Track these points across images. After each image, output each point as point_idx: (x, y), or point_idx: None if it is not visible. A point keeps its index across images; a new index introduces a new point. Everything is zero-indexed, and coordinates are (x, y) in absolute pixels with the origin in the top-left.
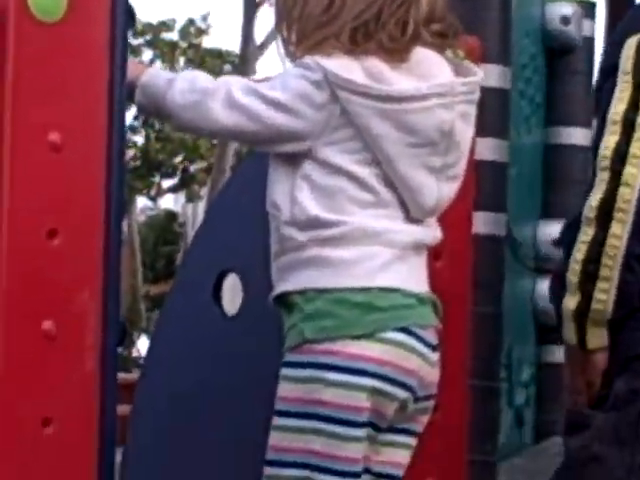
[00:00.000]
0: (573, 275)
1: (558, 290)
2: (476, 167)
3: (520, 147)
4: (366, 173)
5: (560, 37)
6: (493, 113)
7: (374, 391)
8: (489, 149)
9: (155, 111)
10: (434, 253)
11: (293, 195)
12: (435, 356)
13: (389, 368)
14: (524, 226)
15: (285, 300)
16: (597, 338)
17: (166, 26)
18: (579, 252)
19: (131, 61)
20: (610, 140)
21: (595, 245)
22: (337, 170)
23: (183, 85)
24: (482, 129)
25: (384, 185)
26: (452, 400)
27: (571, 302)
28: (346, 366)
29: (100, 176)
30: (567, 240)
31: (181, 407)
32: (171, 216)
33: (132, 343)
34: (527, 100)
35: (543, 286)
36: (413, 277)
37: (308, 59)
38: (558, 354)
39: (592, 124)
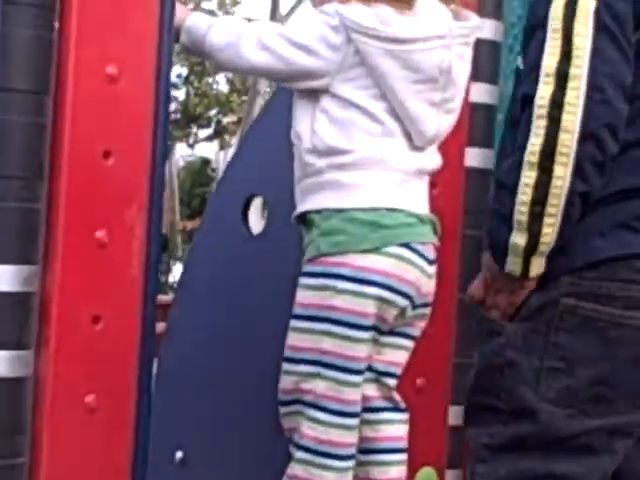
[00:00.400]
0: (521, 215)
1: (501, 228)
2: (470, 108)
3: (506, 96)
4: (375, 107)
5: None
6: (487, 62)
7: (379, 299)
8: (482, 93)
9: (196, 50)
10: (431, 182)
11: (313, 127)
12: (432, 269)
13: (392, 279)
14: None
15: (305, 219)
16: (538, 268)
17: None
18: (524, 195)
19: (179, 5)
20: (545, 90)
21: (540, 187)
22: (350, 104)
23: (221, 29)
24: (477, 75)
25: (391, 117)
26: (442, 311)
27: (520, 239)
28: (355, 276)
29: (150, 107)
30: (509, 182)
31: (210, 323)
32: (205, 162)
33: (169, 270)
34: (514, 54)
35: None
36: (415, 199)
37: (328, 6)
38: None
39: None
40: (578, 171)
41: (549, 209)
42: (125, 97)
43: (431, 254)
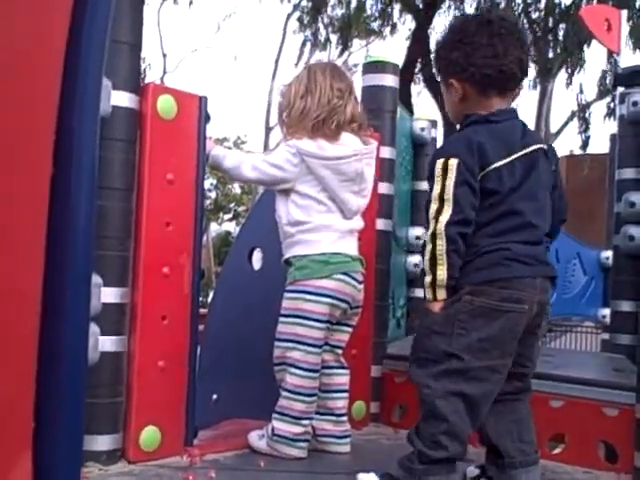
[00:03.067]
0: (426, 266)
1: (421, 274)
2: (379, 197)
3: (400, 190)
4: (321, 196)
5: (420, 137)
6: (388, 171)
7: (329, 304)
8: (386, 188)
9: (218, 169)
10: (359, 238)
11: (287, 210)
12: (361, 286)
13: (337, 293)
14: (401, 229)
15: (287, 261)
16: (441, 295)
17: None
18: (426, 256)
19: (208, 140)
20: (433, 208)
21: (433, 252)
22: (307, 196)
23: (230, 158)
24: (382, 178)
25: (330, 201)
26: (365, 311)
27: (427, 279)
28: (315, 292)
29: (193, 199)
30: (422, 251)
31: (229, 322)
32: (228, 233)
33: (207, 294)
34: (403, 168)
35: (410, 259)
36: (349, 247)
37: (290, 142)
38: (417, 293)
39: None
40: (451, 245)
41: (439, 262)
42: (178, 192)
43: (360, 277)
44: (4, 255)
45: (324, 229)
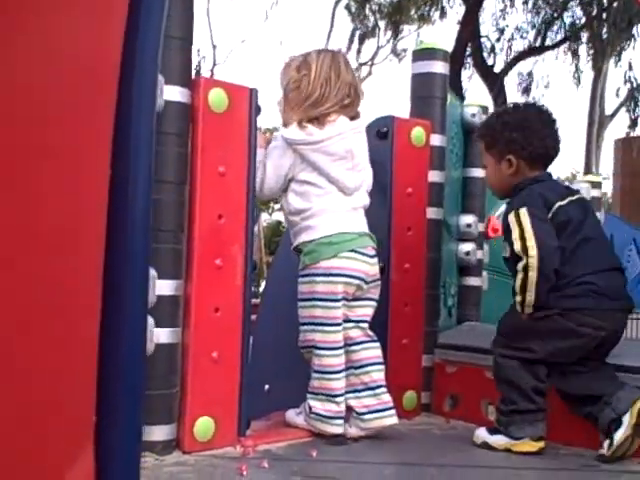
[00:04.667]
0: (517, 288)
1: (512, 292)
2: (429, 185)
3: (451, 177)
4: (318, 180)
5: (470, 124)
6: (438, 158)
7: (342, 282)
8: (436, 176)
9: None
10: (407, 227)
11: (287, 200)
12: (373, 260)
13: (347, 270)
14: (452, 216)
15: (297, 249)
16: (528, 311)
17: None
18: (518, 282)
19: (259, 134)
20: (518, 245)
21: (524, 281)
22: (304, 182)
23: (258, 174)
24: (432, 165)
25: (328, 183)
26: (416, 300)
27: (518, 298)
28: (325, 273)
29: (244, 189)
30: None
31: (279, 312)
32: (279, 222)
33: (259, 284)
34: (454, 154)
35: (462, 247)
36: (353, 224)
37: (277, 135)
38: (468, 281)
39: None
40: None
41: (528, 289)
42: (230, 184)
43: (370, 252)
44: (69, 255)
45: (325, 212)
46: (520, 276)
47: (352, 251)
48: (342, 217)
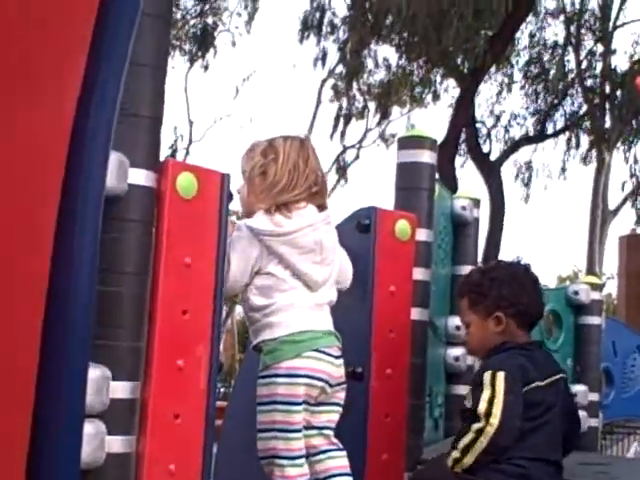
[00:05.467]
0: (459, 444)
1: (453, 444)
2: (414, 284)
3: (438, 275)
4: (282, 273)
5: (460, 217)
6: (423, 254)
7: (305, 384)
8: (421, 274)
9: None
10: (389, 329)
11: (248, 296)
12: (339, 361)
13: (310, 371)
14: (439, 318)
15: (257, 347)
16: (458, 469)
17: None
18: (464, 440)
19: (230, 223)
20: (482, 407)
21: (469, 445)
22: (268, 275)
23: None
24: (417, 262)
25: (293, 278)
26: (398, 410)
27: (454, 453)
28: (287, 373)
29: (211, 282)
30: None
31: (252, 420)
32: None
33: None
34: (442, 250)
35: (451, 352)
36: (319, 322)
37: (241, 223)
38: (457, 389)
39: (477, 264)
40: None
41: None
42: (196, 277)
43: (335, 352)
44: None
45: (289, 308)
46: (470, 437)
47: (316, 351)
48: (306, 314)
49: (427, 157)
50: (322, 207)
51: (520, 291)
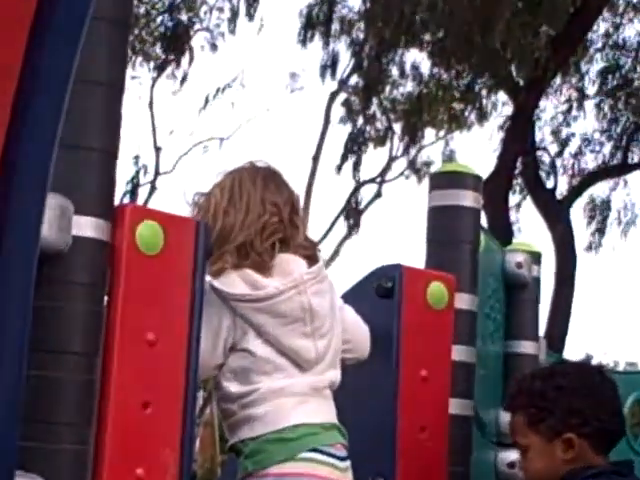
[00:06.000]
0: None
1: None
2: (452, 367)
3: (486, 354)
4: (263, 350)
5: (515, 277)
6: (465, 327)
7: None
8: (462, 353)
9: None
10: (420, 427)
11: (219, 381)
12: (344, 464)
13: (307, 478)
14: (489, 411)
15: (234, 448)
16: None
17: None
18: None
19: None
20: None
21: None
22: (244, 354)
23: None
24: (457, 339)
25: (278, 355)
26: None
27: None
28: None
29: (182, 364)
30: None
31: None
32: None
33: None
34: (491, 320)
35: (503, 456)
36: (315, 413)
37: (209, 283)
38: None
39: (539, 339)
40: None
41: None
42: (162, 358)
43: (340, 452)
44: None
45: (275, 396)
46: None
47: (314, 451)
48: (300, 402)
49: (469, 199)
50: (312, 258)
51: (596, 403)
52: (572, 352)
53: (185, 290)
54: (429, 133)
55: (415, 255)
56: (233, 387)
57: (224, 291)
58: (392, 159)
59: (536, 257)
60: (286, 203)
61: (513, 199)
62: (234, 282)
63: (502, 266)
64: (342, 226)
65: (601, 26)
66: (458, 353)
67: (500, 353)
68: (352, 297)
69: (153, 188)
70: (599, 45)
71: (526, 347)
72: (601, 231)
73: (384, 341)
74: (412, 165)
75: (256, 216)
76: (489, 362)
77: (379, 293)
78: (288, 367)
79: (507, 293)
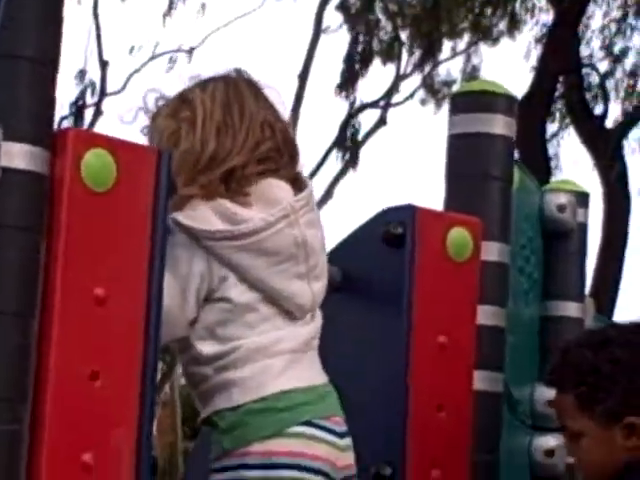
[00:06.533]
0: None
1: None
2: (477, 331)
3: (519, 317)
4: (247, 298)
5: (556, 222)
6: (493, 284)
7: (292, 479)
8: (489, 315)
9: None
10: (437, 405)
11: (190, 340)
12: (344, 441)
13: (300, 458)
14: (522, 387)
15: (208, 421)
16: None
17: None
18: None
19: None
20: None
21: None
22: (223, 303)
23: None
24: (483, 298)
25: (265, 303)
26: None
27: None
28: (261, 463)
29: (139, 327)
30: None
31: None
32: None
33: None
34: (526, 276)
35: (539, 441)
36: (308, 374)
37: (177, 221)
38: None
39: (584, 299)
40: None
41: None
42: (113, 318)
43: (339, 427)
44: None
45: (260, 355)
46: None
47: (308, 424)
48: (291, 361)
49: (500, 125)
50: (298, 182)
51: None
52: (624, 316)
53: (143, 234)
54: (446, 46)
55: (429, 198)
56: (207, 347)
57: (195, 228)
58: (400, 77)
59: (583, 198)
60: (282, 127)
61: (551, 128)
62: (207, 216)
63: (540, 209)
64: (336, 161)
65: None
66: (485, 315)
67: (536, 316)
68: (353, 245)
69: (98, 111)
70: None
71: (569, 309)
72: None
73: (393, 300)
74: (426, 84)
75: (256, 140)
76: (522, 327)
77: (387, 241)
78: (276, 317)
79: (546, 243)
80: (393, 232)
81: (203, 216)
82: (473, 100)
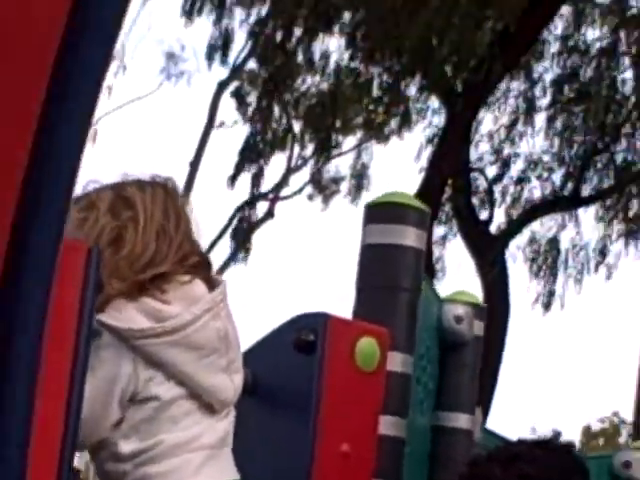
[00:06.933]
0: None
1: None
2: (381, 442)
3: (413, 427)
4: (173, 393)
5: (454, 334)
6: (396, 395)
7: None
8: (390, 426)
9: None
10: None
11: (112, 438)
12: None
13: None
14: None
15: None
16: None
17: None
18: None
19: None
20: None
21: None
22: (146, 402)
23: None
24: (386, 408)
25: (189, 398)
26: None
27: None
28: None
29: (60, 433)
30: None
31: None
32: None
33: None
34: (422, 386)
35: None
36: (224, 471)
37: (103, 323)
38: None
39: (474, 411)
40: None
41: None
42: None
43: None
44: None
45: (182, 450)
46: None
47: None
48: (207, 459)
49: (412, 238)
50: (211, 280)
51: None
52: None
53: (69, 339)
54: (338, 142)
55: (339, 302)
56: (129, 445)
57: (121, 328)
58: (291, 170)
59: (479, 311)
60: (193, 231)
61: (437, 231)
62: (132, 316)
63: (438, 319)
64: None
65: (559, 25)
66: (386, 426)
67: (428, 427)
68: (265, 349)
69: None
70: (555, 49)
71: (460, 420)
72: (551, 280)
73: (301, 406)
74: (314, 180)
75: (185, 252)
76: (416, 437)
77: (299, 347)
78: (196, 411)
79: (442, 353)
80: (304, 339)
81: (128, 316)
82: (386, 211)
